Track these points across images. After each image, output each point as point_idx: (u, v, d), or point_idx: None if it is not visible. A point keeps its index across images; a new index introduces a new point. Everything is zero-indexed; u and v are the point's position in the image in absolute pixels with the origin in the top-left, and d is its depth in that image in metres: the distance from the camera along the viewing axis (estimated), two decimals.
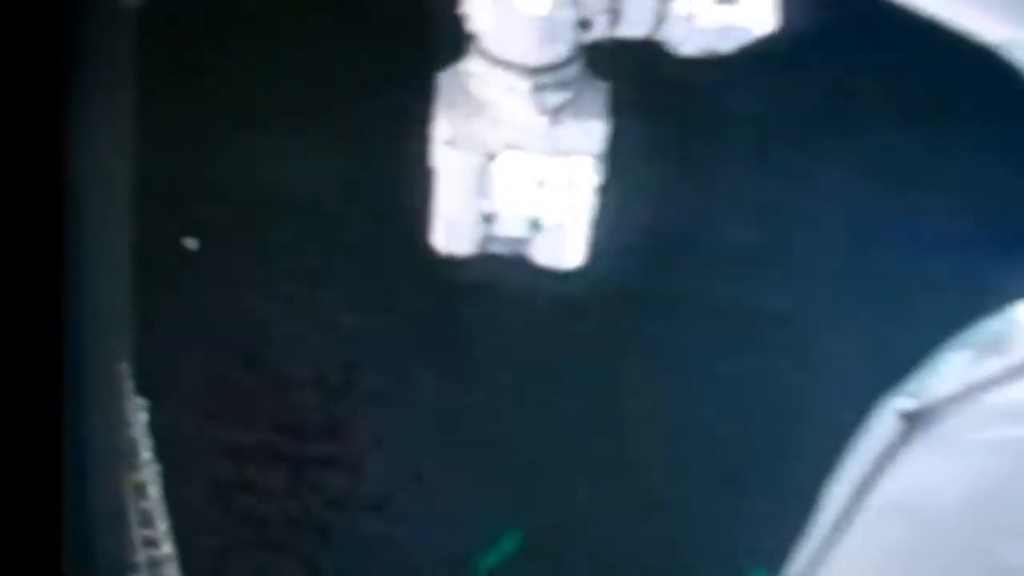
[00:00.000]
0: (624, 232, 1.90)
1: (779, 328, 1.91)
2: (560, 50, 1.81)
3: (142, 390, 2.04)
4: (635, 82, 1.85)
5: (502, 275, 1.94)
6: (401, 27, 1.88)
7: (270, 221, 1.98)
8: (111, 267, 1.98)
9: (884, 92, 1.81)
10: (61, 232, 1.92)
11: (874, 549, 1.86)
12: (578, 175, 1.86)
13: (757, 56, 1.79)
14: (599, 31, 1.82)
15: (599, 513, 2.07)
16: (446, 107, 1.86)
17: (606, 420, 2.04)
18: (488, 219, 1.90)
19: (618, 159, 1.87)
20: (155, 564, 2.06)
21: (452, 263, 1.94)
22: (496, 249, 1.93)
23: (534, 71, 1.82)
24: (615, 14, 1.81)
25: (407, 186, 1.91)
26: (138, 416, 2.04)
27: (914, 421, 1.82)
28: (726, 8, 1.78)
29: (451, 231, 1.92)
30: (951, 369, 1.83)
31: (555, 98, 1.84)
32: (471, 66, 1.85)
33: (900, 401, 1.83)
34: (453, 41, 1.85)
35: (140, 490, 2.04)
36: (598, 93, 1.85)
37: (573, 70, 1.84)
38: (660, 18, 1.80)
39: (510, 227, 1.90)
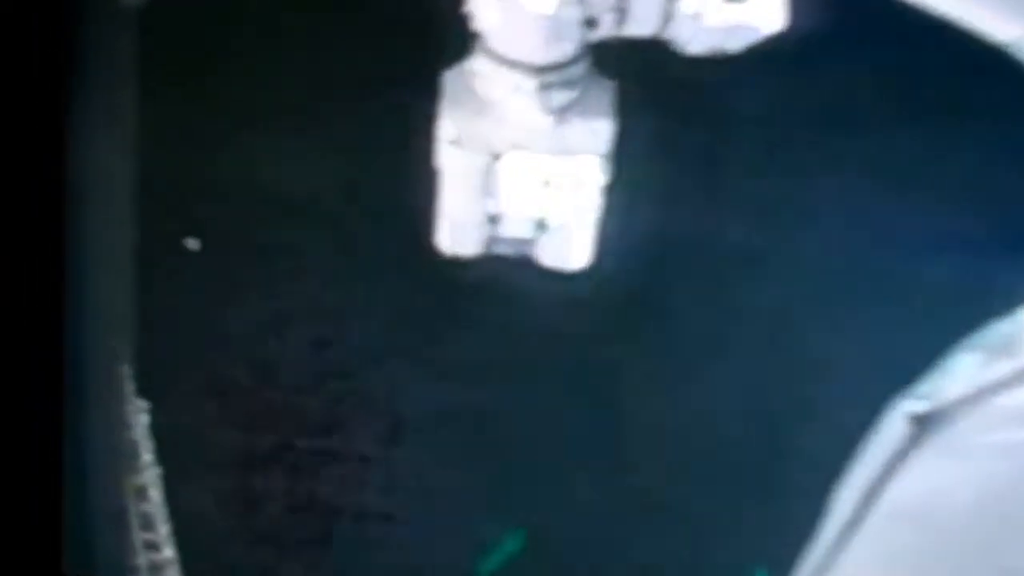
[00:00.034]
0: (631, 233, 1.89)
1: (787, 329, 1.89)
2: (566, 49, 1.80)
3: (143, 392, 2.03)
4: (642, 81, 1.84)
5: (507, 276, 1.93)
6: (405, 26, 1.86)
7: (272, 222, 1.97)
8: (111, 268, 1.97)
9: (894, 92, 1.79)
10: (61, 233, 1.91)
11: (883, 553, 1.85)
12: (584, 175, 1.85)
13: (766, 55, 1.78)
14: (605, 30, 1.80)
15: (603, 514, 2.06)
16: (450, 106, 1.84)
17: (611, 421, 2.03)
18: (493, 220, 1.88)
19: (625, 159, 1.85)
20: (156, 568, 2.05)
21: (456, 264, 1.92)
22: (501, 250, 1.91)
23: (540, 70, 1.80)
24: (622, 12, 1.79)
25: (411, 186, 1.89)
26: (139, 418, 2.03)
27: (924, 424, 1.80)
28: (734, 6, 1.76)
29: (455, 232, 1.90)
30: (961, 372, 1.81)
31: (561, 97, 1.83)
32: (476, 65, 1.83)
33: (910, 404, 1.82)
34: (458, 40, 1.83)
35: (141, 493, 2.03)
36: (604, 92, 1.84)
37: (579, 69, 1.82)
38: (667, 17, 1.78)
39: (515, 228, 1.89)
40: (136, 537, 2.03)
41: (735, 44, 1.78)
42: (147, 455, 2.03)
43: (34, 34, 1.71)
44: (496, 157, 1.85)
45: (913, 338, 1.85)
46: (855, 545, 1.85)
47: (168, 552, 2.04)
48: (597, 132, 1.83)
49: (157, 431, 2.03)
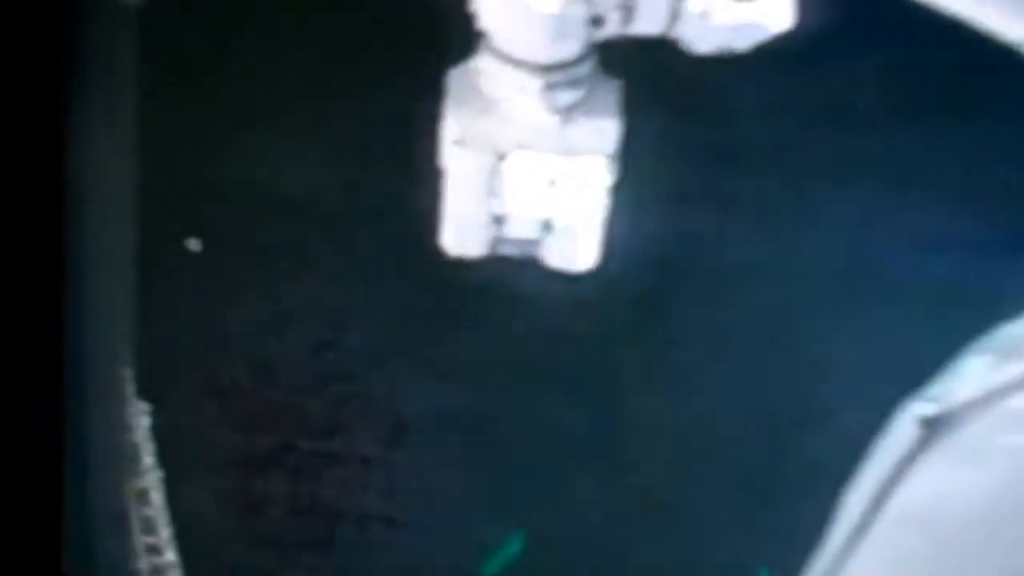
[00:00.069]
0: (638, 233, 1.87)
1: (795, 331, 1.88)
2: (572, 48, 1.78)
3: (144, 394, 2.02)
4: (649, 80, 1.82)
5: (512, 277, 1.91)
6: (409, 24, 1.85)
7: (274, 222, 1.95)
8: (112, 268, 1.95)
9: (904, 91, 1.77)
10: (61, 234, 1.90)
11: (891, 558, 1.84)
12: (590, 175, 1.83)
13: (774, 54, 1.76)
14: (612, 28, 1.78)
15: (608, 516, 2.06)
16: (455, 106, 1.82)
17: (616, 423, 2.02)
18: (498, 220, 1.87)
19: (631, 159, 1.84)
20: (158, 572, 2.04)
21: (461, 265, 1.91)
22: (506, 251, 1.90)
23: (545, 69, 1.79)
24: (628, 11, 1.77)
25: (415, 187, 1.88)
26: (140, 421, 2.02)
27: (933, 427, 1.79)
28: (742, 5, 1.75)
29: (460, 233, 1.88)
30: (970, 374, 1.80)
31: (567, 97, 1.81)
32: (481, 64, 1.81)
33: (919, 406, 1.80)
34: (462, 38, 1.82)
35: (142, 496, 2.02)
36: (611, 92, 1.82)
37: (585, 68, 1.80)
38: (674, 15, 1.76)
39: (521, 228, 1.87)
40: (137, 541, 2.02)
41: (743, 43, 1.76)
42: (148, 458, 2.02)
43: (34, 34, 1.70)
44: (501, 157, 1.83)
45: (922, 340, 1.83)
46: (863, 550, 1.84)
47: (169, 556, 2.03)
48: (603, 132, 1.81)
49: (158, 433, 2.02)
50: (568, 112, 1.81)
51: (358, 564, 2.11)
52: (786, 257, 1.87)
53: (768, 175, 1.84)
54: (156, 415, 2.02)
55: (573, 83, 1.80)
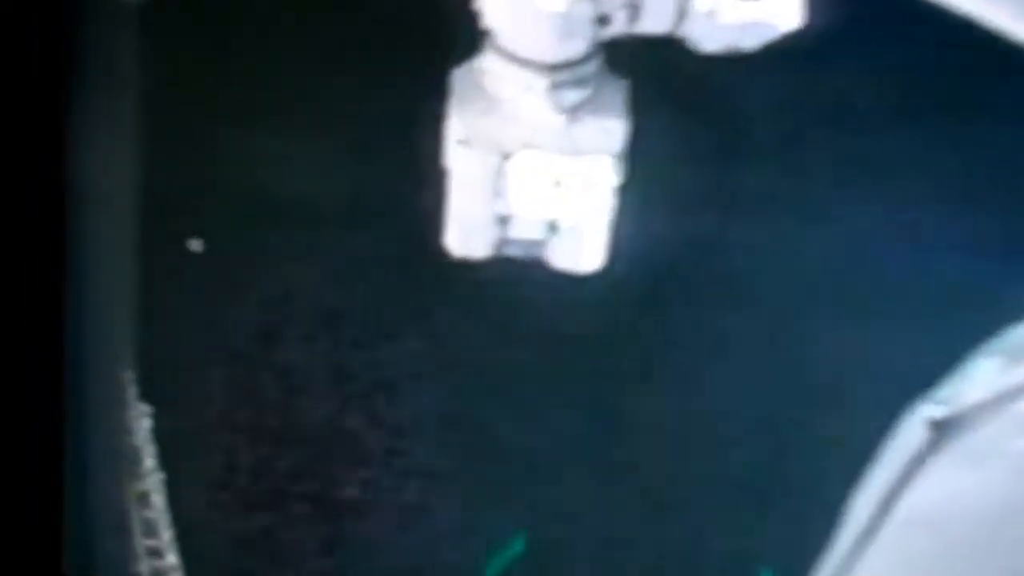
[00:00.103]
0: (644, 234, 1.86)
1: (804, 334, 1.87)
2: (578, 46, 1.76)
3: (145, 396, 2.01)
4: (655, 80, 1.81)
5: (518, 278, 1.90)
6: (413, 23, 1.83)
7: (277, 223, 1.94)
8: (113, 270, 1.94)
9: (915, 91, 1.76)
10: (61, 234, 1.88)
11: (899, 560, 1.82)
12: (596, 175, 1.81)
13: (783, 53, 1.74)
14: (618, 27, 1.76)
15: (614, 517, 2.05)
16: (460, 105, 1.81)
17: (622, 425, 2.01)
18: (503, 221, 1.85)
19: (638, 159, 1.82)
20: (159, 574, 2.03)
21: (466, 266, 1.89)
22: (512, 252, 1.88)
23: (551, 68, 1.77)
24: (634, 9, 1.75)
25: (419, 187, 1.86)
26: (141, 423, 2.00)
27: (942, 429, 1.78)
28: (750, 3, 1.73)
29: (465, 233, 1.87)
30: (980, 377, 1.78)
31: (573, 96, 1.79)
32: (486, 63, 1.80)
33: (928, 409, 1.79)
34: (467, 37, 1.80)
35: (143, 499, 2.00)
36: (617, 91, 1.80)
37: (591, 67, 1.78)
38: (681, 14, 1.75)
39: (526, 229, 1.85)
40: (138, 543, 2.01)
41: (751, 42, 1.74)
42: (149, 460, 2.00)
43: (34, 34, 1.68)
44: (506, 157, 1.81)
45: (932, 342, 1.82)
46: (871, 552, 1.82)
47: (171, 559, 2.02)
48: (609, 131, 1.80)
49: (160, 436, 2.01)
50: (574, 112, 1.80)
51: (360, 566, 2.10)
52: (793, 258, 1.86)
53: (776, 176, 1.83)
54: (157, 417, 2.01)
55: (579, 82, 1.79)
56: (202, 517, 2.04)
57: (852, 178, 1.81)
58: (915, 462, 1.79)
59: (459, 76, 1.81)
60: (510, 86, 1.79)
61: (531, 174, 1.82)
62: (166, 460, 2.02)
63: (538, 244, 1.87)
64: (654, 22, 1.76)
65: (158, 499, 2.01)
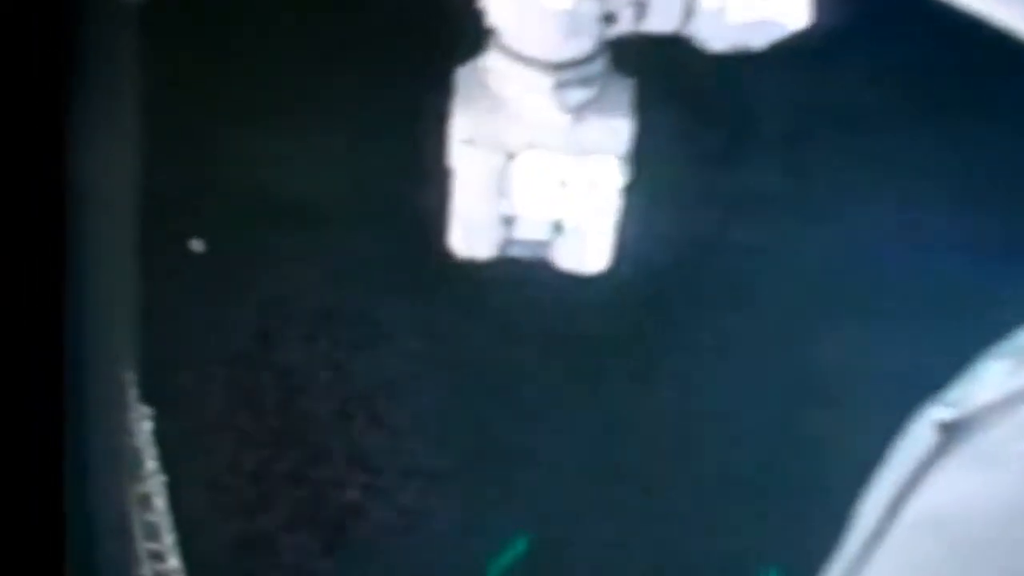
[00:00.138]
0: (650, 235, 1.84)
1: (812, 334, 1.86)
2: (584, 45, 1.73)
3: (147, 398, 1.99)
4: (662, 79, 1.79)
5: (522, 280, 1.88)
6: (417, 22, 1.81)
7: (280, 223, 1.93)
8: (113, 270, 1.92)
9: (924, 91, 1.75)
10: (62, 235, 1.86)
11: (907, 565, 1.80)
12: (602, 175, 1.79)
13: (791, 52, 1.72)
14: (624, 25, 1.73)
15: (618, 517, 2.04)
16: (464, 104, 1.78)
17: (627, 426, 2.00)
18: (508, 221, 1.82)
19: (644, 159, 1.80)
20: None
21: (470, 267, 1.87)
22: (516, 252, 1.86)
23: (556, 67, 1.74)
24: (641, 8, 1.72)
25: (423, 187, 1.85)
26: (143, 425, 1.99)
27: (951, 432, 1.76)
28: (758, 1, 1.70)
29: (469, 234, 1.84)
30: (990, 378, 1.76)
31: (578, 95, 1.76)
32: (490, 62, 1.77)
33: (937, 411, 1.77)
34: (471, 36, 1.78)
35: (145, 502, 1.99)
36: (623, 90, 1.78)
37: (597, 66, 1.76)
38: (688, 12, 1.72)
39: (531, 230, 1.83)
40: (140, 547, 1.99)
41: (759, 41, 1.72)
42: (151, 463, 1.99)
43: (34, 34, 1.66)
44: (511, 157, 1.79)
45: (941, 344, 1.80)
46: (879, 556, 1.80)
47: (173, 562, 2.00)
48: (615, 131, 1.77)
49: (161, 438, 1.99)
50: (579, 111, 1.77)
51: (362, 568, 2.09)
52: (802, 260, 1.85)
53: (785, 176, 1.82)
54: (159, 419, 1.99)
55: (585, 81, 1.76)
56: (204, 520, 2.03)
57: (862, 179, 1.79)
58: (924, 465, 1.77)
59: (463, 75, 1.79)
60: (515, 85, 1.76)
61: (536, 174, 1.80)
62: (167, 462, 2.00)
63: (543, 245, 1.84)
64: (661, 20, 1.73)
65: (159, 502, 1.99)
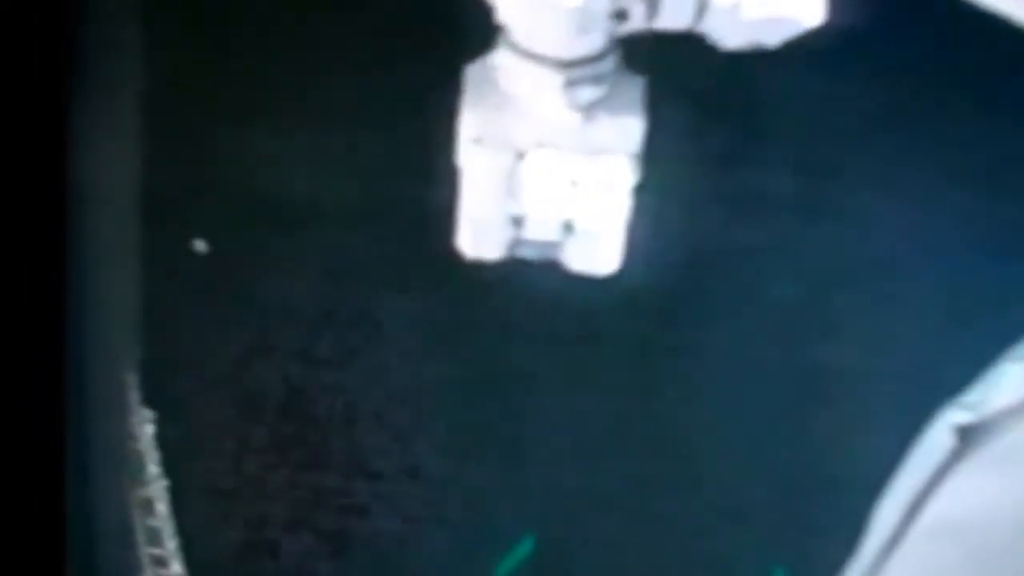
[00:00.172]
0: (661, 235, 1.82)
1: (827, 337, 1.84)
2: (594, 43, 1.71)
3: (149, 401, 1.97)
4: (674, 77, 1.76)
5: (531, 281, 1.86)
6: (426, 19, 1.79)
7: (285, 224, 1.91)
8: (115, 271, 1.90)
9: (940, 91, 1.72)
10: (63, 235, 1.84)
11: (925, 569, 1.78)
12: (613, 175, 1.76)
13: (806, 50, 1.69)
14: (636, 23, 1.70)
15: (624, 518, 2.03)
16: (473, 103, 1.75)
17: (637, 427, 1.99)
18: (517, 221, 1.80)
19: (655, 158, 1.78)
20: None
21: (479, 268, 1.85)
22: (526, 253, 1.83)
23: (567, 65, 1.71)
24: (653, 4, 1.69)
25: (431, 186, 1.82)
26: (145, 429, 1.97)
27: (968, 435, 1.74)
28: None
29: (478, 234, 1.82)
30: (1007, 382, 1.75)
31: (589, 93, 1.74)
32: (499, 59, 1.74)
33: (954, 415, 1.75)
34: (480, 33, 1.75)
35: (147, 506, 1.97)
36: (634, 89, 1.75)
37: (608, 64, 1.73)
38: (702, 8, 1.69)
39: (540, 230, 1.80)
40: (142, 552, 1.98)
41: (773, 38, 1.69)
42: (153, 467, 1.97)
43: (34, 34, 1.64)
44: (520, 156, 1.76)
45: (959, 347, 1.78)
46: (896, 560, 1.79)
47: (176, 567, 1.99)
48: (627, 130, 1.75)
49: (164, 442, 1.97)
50: (590, 109, 1.75)
51: (366, 571, 2.08)
52: (817, 260, 1.83)
53: (798, 176, 1.80)
54: (161, 423, 1.97)
55: (595, 79, 1.73)
56: (206, 524, 2.01)
57: (882, 179, 1.77)
58: (941, 469, 1.75)
59: (472, 72, 1.76)
60: (524, 83, 1.74)
61: (546, 173, 1.77)
62: (169, 466, 1.98)
63: (553, 245, 1.82)
64: (673, 17, 1.70)
65: (161, 506, 1.98)
